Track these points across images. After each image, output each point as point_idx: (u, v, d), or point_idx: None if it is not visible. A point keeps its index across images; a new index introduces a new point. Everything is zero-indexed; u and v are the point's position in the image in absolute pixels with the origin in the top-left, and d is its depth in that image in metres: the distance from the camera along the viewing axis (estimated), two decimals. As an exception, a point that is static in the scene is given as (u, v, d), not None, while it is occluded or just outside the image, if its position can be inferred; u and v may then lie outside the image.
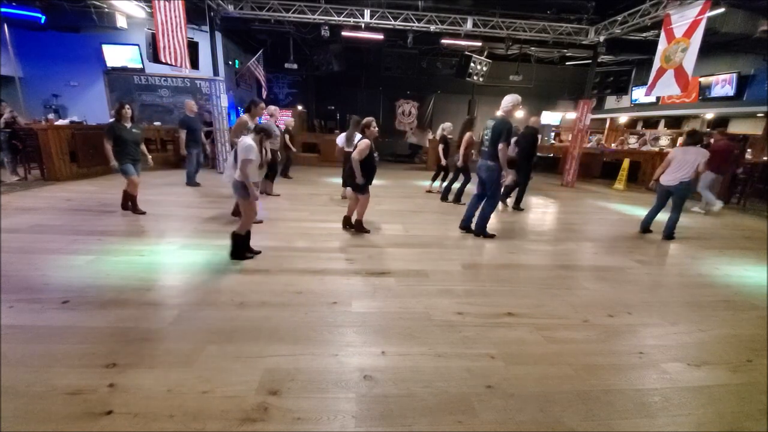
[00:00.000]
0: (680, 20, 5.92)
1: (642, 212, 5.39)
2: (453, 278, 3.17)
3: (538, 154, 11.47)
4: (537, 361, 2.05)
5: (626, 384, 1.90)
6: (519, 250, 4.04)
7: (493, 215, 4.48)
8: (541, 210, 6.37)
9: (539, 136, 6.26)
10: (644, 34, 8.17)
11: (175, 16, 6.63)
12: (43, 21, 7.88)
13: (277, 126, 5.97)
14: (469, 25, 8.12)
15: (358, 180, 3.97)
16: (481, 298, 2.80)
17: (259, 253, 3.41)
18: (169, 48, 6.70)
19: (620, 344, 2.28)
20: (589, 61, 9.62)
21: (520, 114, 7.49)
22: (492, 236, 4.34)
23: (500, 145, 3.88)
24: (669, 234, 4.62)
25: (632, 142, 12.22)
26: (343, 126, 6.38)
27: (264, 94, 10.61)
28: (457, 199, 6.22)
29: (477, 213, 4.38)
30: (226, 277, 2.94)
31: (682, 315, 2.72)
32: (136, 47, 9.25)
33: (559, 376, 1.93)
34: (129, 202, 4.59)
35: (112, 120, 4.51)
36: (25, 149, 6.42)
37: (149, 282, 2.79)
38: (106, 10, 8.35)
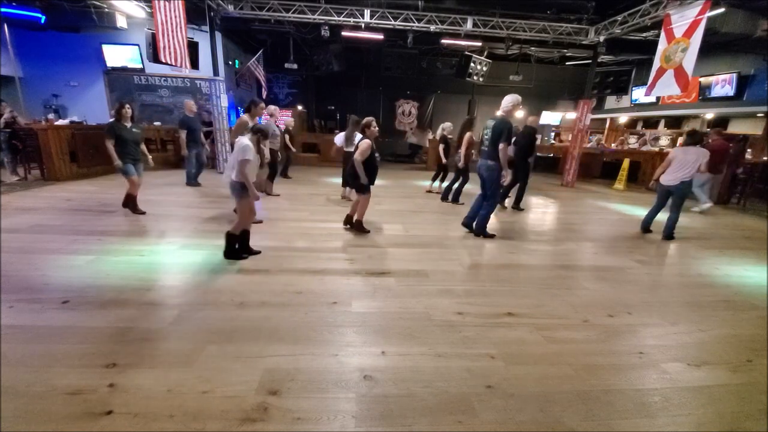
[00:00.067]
0: (680, 20, 5.92)
1: (642, 212, 5.39)
2: (453, 278, 3.17)
3: (538, 153, 11.57)
4: (537, 361, 2.05)
5: (626, 384, 1.90)
6: (519, 250, 4.04)
7: (492, 215, 4.48)
8: (541, 210, 6.37)
9: (538, 136, 6.26)
10: (644, 34, 8.17)
11: (175, 16, 6.63)
12: (43, 21, 7.87)
13: (277, 126, 5.98)
14: (469, 25, 8.11)
15: (362, 180, 3.98)
16: (481, 298, 2.80)
17: (258, 253, 3.41)
18: (169, 48, 6.70)
19: (620, 344, 2.28)
20: (589, 61, 9.62)
21: (520, 114, 7.48)
22: (492, 236, 4.34)
23: (501, 145, 3.88)
24: (669, 234, 4.62)
25: (632, 142, 12.22)
26: (343, 126, 6.39)
27: (264, 94, 10.61)
28: (456, 200, 6.22)
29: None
30: (226, 277, 2.94)
31: (682, 315, 2.72)
32: (136, 47, 9.25)
33: (559, 376, 1.93)
34: (129, 202, 4.59)
35: (112, 120, 4.50)
36: (25, 149, 6.42)
37: (149, 282, 2.79)
38: (106, 10, 8.35)
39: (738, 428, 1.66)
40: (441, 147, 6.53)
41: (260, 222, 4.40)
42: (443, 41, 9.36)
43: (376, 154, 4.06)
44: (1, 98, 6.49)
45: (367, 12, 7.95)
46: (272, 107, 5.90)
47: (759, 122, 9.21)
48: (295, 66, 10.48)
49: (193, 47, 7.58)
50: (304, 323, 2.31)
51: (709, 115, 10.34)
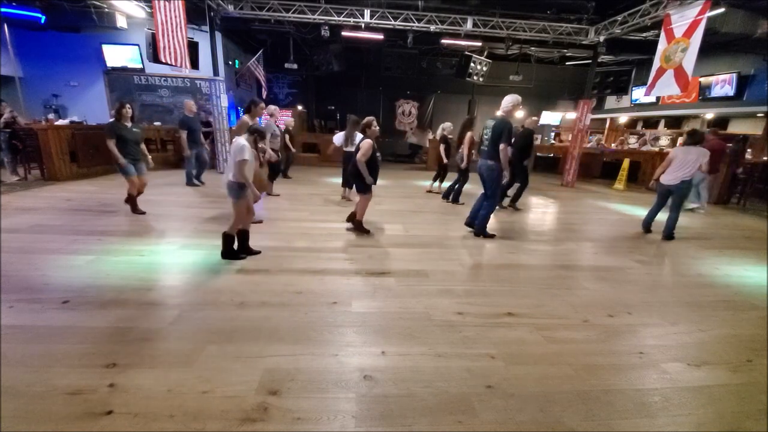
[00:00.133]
0: (680, 20, 5.92)
1: (642, 212, 5.39)
2: (453, 278, 3.17)
3: (538, 153, 11.57)
4: (537, 361, 2.05)
5: (626, 384, 1.90)
6: (519, 250, 4.04)
7: (492, 215, 4.48)
8: (541, 210, 6.37)
9: (538, 136, 6.25)
10: (644, 34, 8.17)
11: (175, 16, 6.63)
12: (43, 21, 7.88)
13: (277, 126, 5.98)
14: (469, 25, 8.12)
15: (368, 181, 3.98)
16: (481, 298, 2.80)
17: (258, 253, 3.41)
18: (169, 48, 6.70)
19: (620, 344, 2.28)
20: (589, 61, 9.62)
21: (520, 114, 7.48)
22: (492, 236, 4.34)
23: (501, 145, 3.87)
24: (669, 234, 4.62)
25: (632, 142, 12.23)
26: (343, 126, 6.39)
27: (264, 94, 10.61)
28: (456, 200, 6.22)
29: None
30: (226, 277, 2.94)
31: (682, 315, 2.72)
32: (136, 47, 9.26)
33: (559, 376, 1.93)
34: (130, 201, 4.59)
35: (112, 120, 4.51)
36: (25, 149, 6.42)
37: (149, 282, 2.79)
38: (106, 10, 8.35)
39: (738, 428, 1.66)
40: (442, 147, 6.53)
41: (260, 222, 4.41)
42: (443, 41, 9.36)
43: (378, 154, 4.06)
44: (1, 98, 6.49)
45: (367, 12, 7.95)
46: (272, 107, 5.89)
47: (759, 122, 9.22)
48: (295, 66, 10.48)
49: (193, 47, 7.58)
50: (304, 323, 2.31)
51: (709, 115, 10.34)
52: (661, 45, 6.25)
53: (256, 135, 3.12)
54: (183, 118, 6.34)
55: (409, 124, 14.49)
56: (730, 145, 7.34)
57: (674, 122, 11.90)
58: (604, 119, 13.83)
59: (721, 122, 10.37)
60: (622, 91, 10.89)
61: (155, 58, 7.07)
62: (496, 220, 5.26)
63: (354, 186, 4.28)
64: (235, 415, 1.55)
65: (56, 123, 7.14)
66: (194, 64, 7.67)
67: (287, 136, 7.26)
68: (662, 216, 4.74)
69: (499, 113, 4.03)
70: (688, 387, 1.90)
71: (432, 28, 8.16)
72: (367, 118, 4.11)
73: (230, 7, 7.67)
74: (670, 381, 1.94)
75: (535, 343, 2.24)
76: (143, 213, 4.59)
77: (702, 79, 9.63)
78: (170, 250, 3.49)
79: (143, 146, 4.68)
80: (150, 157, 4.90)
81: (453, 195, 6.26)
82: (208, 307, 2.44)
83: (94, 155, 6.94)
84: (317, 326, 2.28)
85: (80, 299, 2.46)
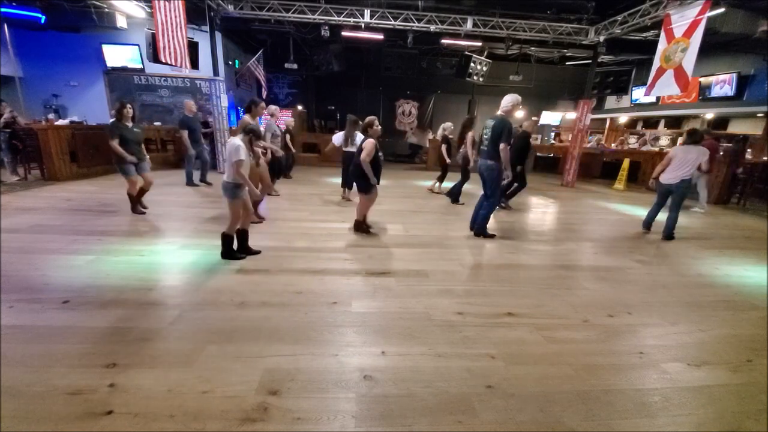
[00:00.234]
0: (680, 20, 5.92)
1: (642, 212, 5.39)
2: (453, 278, 3.17)
3: (538, 153, 11.56)
4: (537, 361, 2.05)
5: (626, 384, 1.90)
6: (519, 250, 4.04)
7: (492, 215, 4.48)
8: (541, 210, 6.37)
9: (537, 136, 6.24)
10: (644, 34, 8.17)
11: (175, 16, 6.63)
12: (43, 21, 7.87)
13: (278, 126, 5.98)
14: (469, 25, 8.12)
15: (372, 181, 3.97)
16: (481, 298, 2.80)
17: (258, 252, 3.41)
18: (169, 48, 6.70)
19: (620, 344, 2.28)
20: (589, 61, 9.62)
21: (520, 114, 7.48)
22: (492, 236, 4.34)
23: (501, 145, 3.87)
24: (669, 234, 4.62)
25: (632, 142, 12.23)
26: (343, 126, 6.39)
27: (264, 94, 10.60)
28: (456, 200, 6.22)
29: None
30: (226, 277, 2.94)
31: (682, 315, 2.72)
32: (136, 47, 9.25)
33: (559, 376, 1.93)
34: (132, 200, 4.60)
35: (113, 120, 4.51)
36: (25, 149, 6.42)
37: (149, 282, 2.79)
38: (106, 10, 8.35)
39: (738, 428, 1.66)
40: (444, 147, 6.52)
41: (262, 220, 4.41)
42: (443, 41, 9.36)
43: (380, 153, 4.05)
44: (1, 98, 6.49)
45: (367, 12, 7.95)
46: (273, 107, 5.90)
47: (759, 122, 9.21)
48: (295, 66, 10.48)
49: (193, 47, 7.58)
50: (304, 323, 2.31)
51: (709, 115, 10.34)
52: (661, 45, 6.25)
53: (251, 135, 3.12)
54: (183, 118, 6.35)
55: (409, 124, 14.49)
56: (724, 145, 7.34)
57: (674, 122, 11.90)
58: (604, 119, 13.83)
59: (721, 122, 10.37)
60: (622, 91, 10.89)
61: (155, 58, 7.07)
62: (496, 220, 5.26)
63: (354, 186, 4.27)
64: (235, 415, 1.55)
65: (56, 123, 7.14)
66: (194, 64, 7.67)
67: (288, 136, 7.27)
68: (662, 216, 4.74)
69: (498, 113, 4.03)
70: (688, 387, 1.91)
71: (432, 28, 8.16)
72: (369, 118, 4.10)
73: (230, 7, 7.67)
74: (670, 381, 1.94)
75: (535, 343, 2.24)
76: (143, 213, 4.60)
77: (702, 79, 9.63)
78: (170, 250, 3.49)
79: (142, 147, 4.67)
80: (148, 157, 4.89)
81: (453, 194, 6.25)
82: (208, 307, 2.44)
83: (94, 155, 6.95)
84: (317, 326, 2.28)
85: (80, 299, 2.46)
